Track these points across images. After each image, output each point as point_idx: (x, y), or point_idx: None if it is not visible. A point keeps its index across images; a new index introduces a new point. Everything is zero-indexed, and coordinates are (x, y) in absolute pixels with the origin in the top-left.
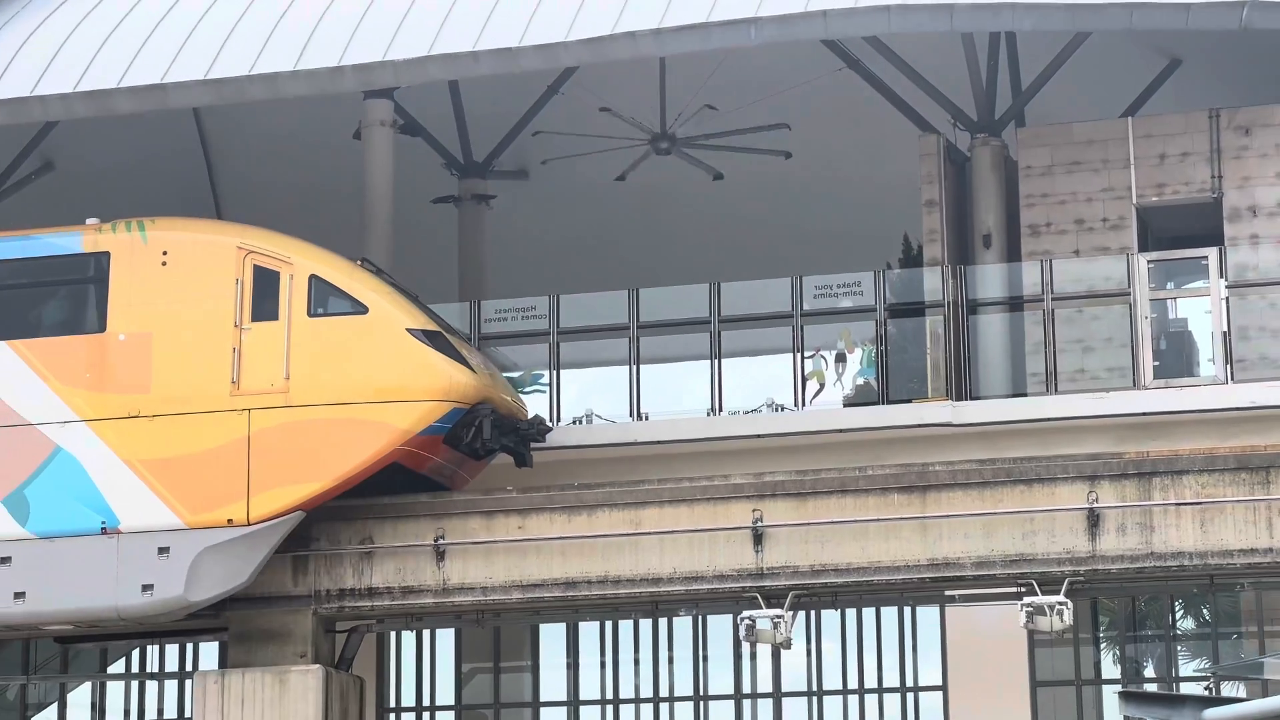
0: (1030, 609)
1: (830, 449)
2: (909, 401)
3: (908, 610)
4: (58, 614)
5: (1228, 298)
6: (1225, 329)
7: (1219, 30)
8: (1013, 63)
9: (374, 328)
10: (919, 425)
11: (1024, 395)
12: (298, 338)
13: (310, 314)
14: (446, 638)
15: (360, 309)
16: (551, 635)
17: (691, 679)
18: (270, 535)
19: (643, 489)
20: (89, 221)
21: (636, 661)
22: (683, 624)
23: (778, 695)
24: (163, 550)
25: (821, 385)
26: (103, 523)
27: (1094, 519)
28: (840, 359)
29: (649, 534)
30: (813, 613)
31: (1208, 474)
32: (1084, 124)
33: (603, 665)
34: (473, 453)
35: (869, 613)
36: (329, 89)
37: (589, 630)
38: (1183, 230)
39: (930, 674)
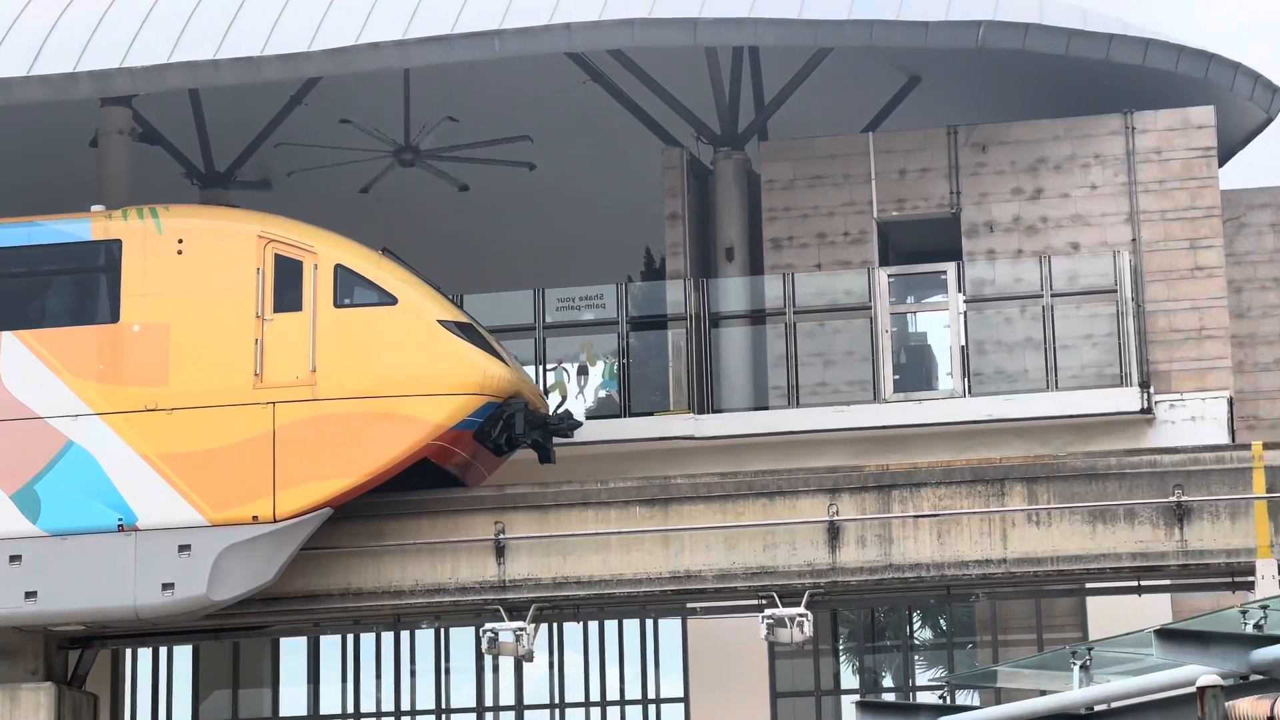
0: (771, 621)
1: (572, 461)
2: (651, 414)
3: (649, 622)
4: (71, 614)
5: (965, 312)
6: (963, 343)
7: (957, 48)
8: (756, 77)
9: (404, 319)
10: (661, 438)
11: (765, 409)
12: (324, 329)
13: (336, 305)
14: (184, 653)
15: (389, 300)
16: (292, 650)
17: (433, 692)
18: (297, 533)
19: (383, 500)
20: (94, 209)
21: (378, 675)
22: (425, 637)
23: (520, 708)
24: (184, 548)
25: (564, 398)
26: (119, 519)
27: (834, 531)
28: (582, 371)
29: (390, 546)
30: (555, 625)
31: (945, 486)
32: (826, 139)
33: (344, 679)
34: (496, 448)
35: (611, 625)
36: (65, 95)
37: (330, 644)
38: (922, 245)
39: (672, 685)
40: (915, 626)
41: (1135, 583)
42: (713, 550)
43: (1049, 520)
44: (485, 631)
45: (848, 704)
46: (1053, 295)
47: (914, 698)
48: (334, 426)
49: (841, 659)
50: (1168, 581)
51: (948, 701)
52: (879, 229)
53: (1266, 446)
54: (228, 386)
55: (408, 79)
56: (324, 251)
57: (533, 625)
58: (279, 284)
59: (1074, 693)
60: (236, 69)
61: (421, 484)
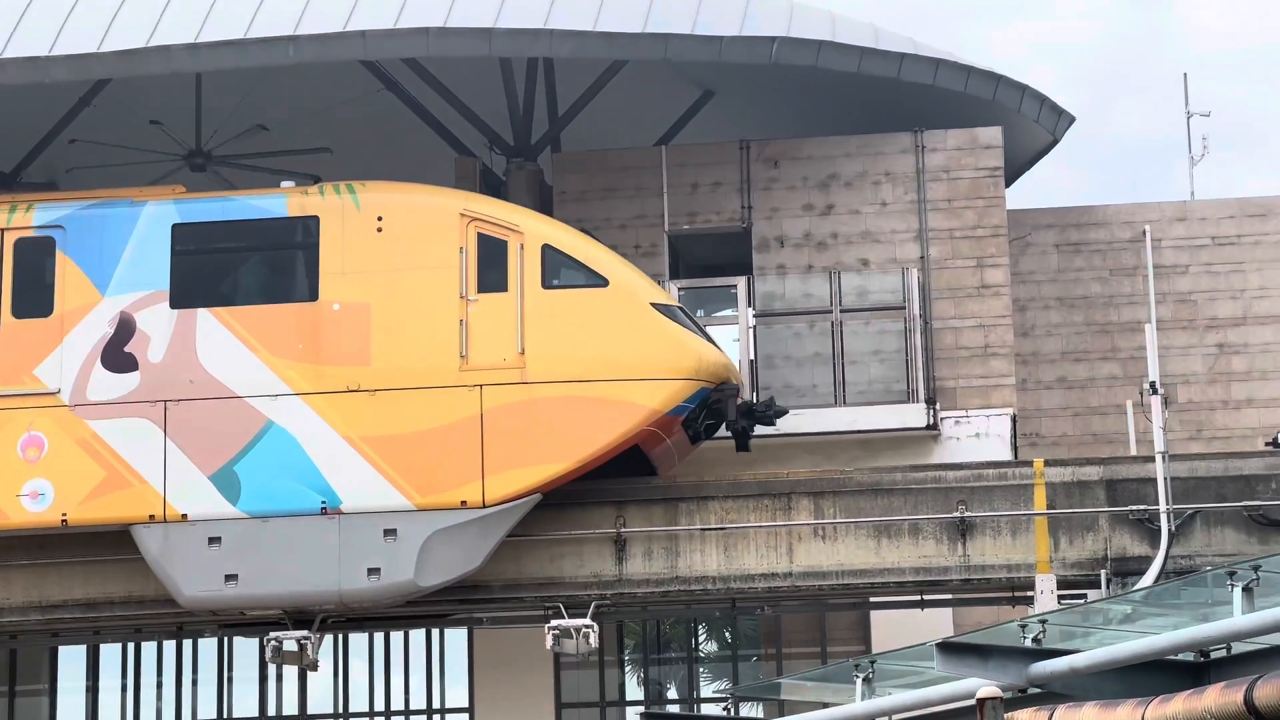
0: (557, 631)
1: None
2: None
3: (435, 632)
4: (273, 598)
5: (755, 326)
6: (752, 357)
7: (751, 64)
8: (550, 88)
9: (616, 301)
10: None
11: None
12: (532, 311)
13: (545, 285)
14: None
15: (600, 281)
16: (71, 657)
17: (216, 701)
18: (506, 519)
19: None
20: (284, 184)
21: (159, 684)
22: (208, 645)
23: (303, 717)
24: (389, 532)
25: None
26: (323, 502)
27: (621, 543)
28: None
29: None
30: (340, 634)
31: (732, 500)
32: (619, 151)
33: (124, 689)
34: (694, 434)
35: (396, 634)
36: None
37: (110, 651)
38: (714, 259)
39: (457, 695)
40: (701, 639)
41: (918, 596)
42: (500, 560)
43: (835, 534)
44: (269, 640)
45: (632, 715)
46: (842, 311)
47: (698, 709)
48: (545, 410)
49: (627, 670)
50: (950, 595)
51: (732, 713)
52: (670, 242)
53: (1048, 463)
54: (432, 368)
55: (200, 82)
56: (530, 230)
57: (317, 634)
58: (482, 263)
59: (856, 705)
60: (22, 69)
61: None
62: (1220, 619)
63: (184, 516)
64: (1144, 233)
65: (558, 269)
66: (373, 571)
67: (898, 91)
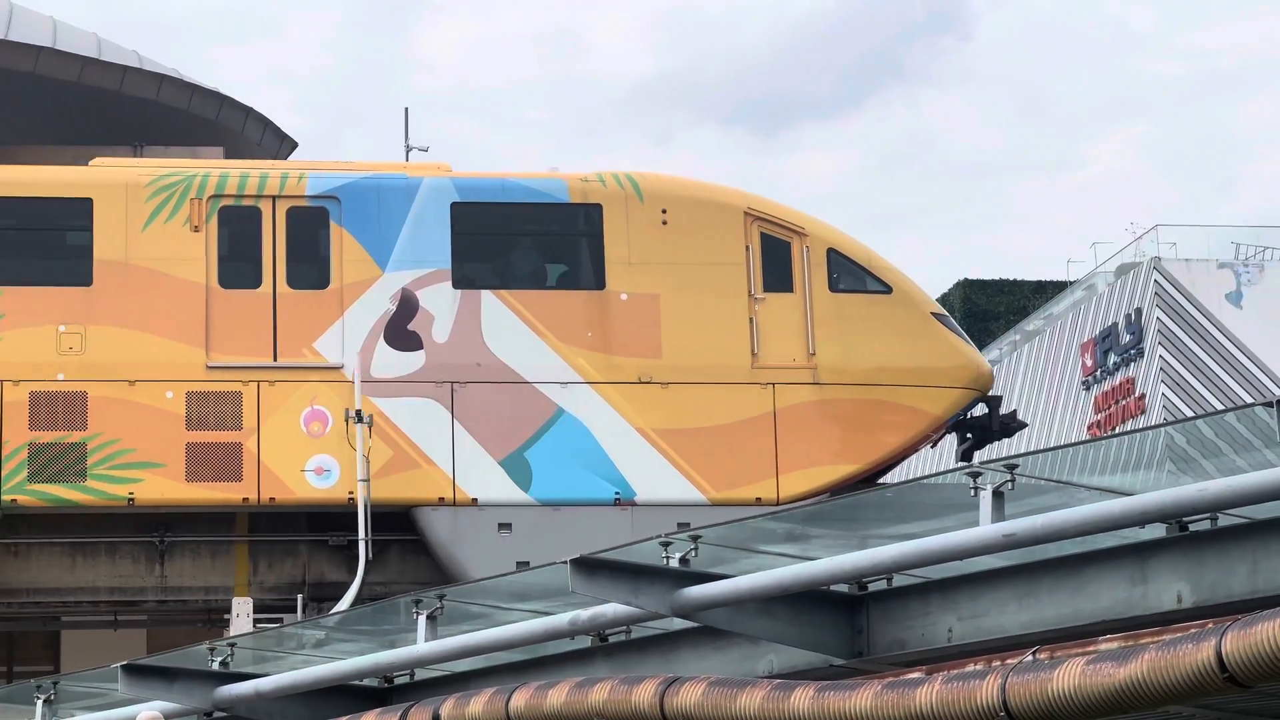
0: None
1: None
2: None
3: None
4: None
5: None
6: None
7: None
8: None
9: (900, 308)
10: None
11: None
12: (820, 313)
13: (832, 289)
14: None
15: (883, 288)
16: None
17: None
18: None
19: None
20: (549, 168)
21: None
22: None
23: None
24: (683, 526)
25: None
26: (616, 493)
27: None
28: None
29: None
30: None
31: None
32: None
33: None
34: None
35: None
36: None
37: None
38: None
39: None
40: None
41: (112, 616)
42: None
43: (28, 552)
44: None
45: None
46: None
47: None
48: (836, 412)
49: None
50: (144, 616)
51: None
52: None
53: None
54: (725, 364)
55: None
56: (814, 233)
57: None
58: (766, 263)
59: None
60: None
61: None
62: (405, 645)
63: (474, 501)
64: None
65: (842, 273)
66: None
67: (122, 105)
